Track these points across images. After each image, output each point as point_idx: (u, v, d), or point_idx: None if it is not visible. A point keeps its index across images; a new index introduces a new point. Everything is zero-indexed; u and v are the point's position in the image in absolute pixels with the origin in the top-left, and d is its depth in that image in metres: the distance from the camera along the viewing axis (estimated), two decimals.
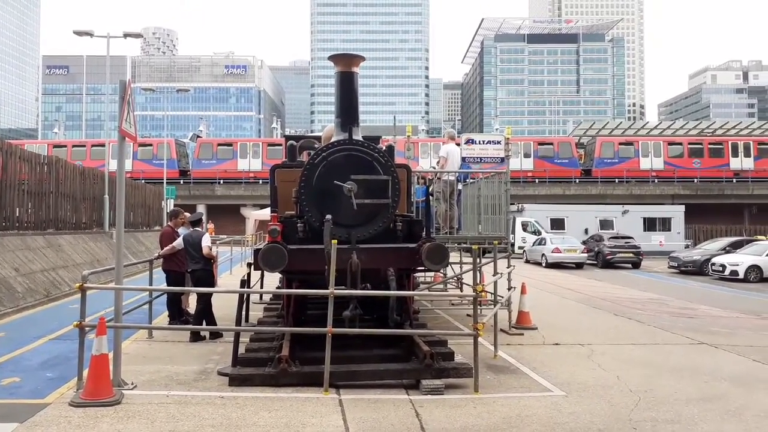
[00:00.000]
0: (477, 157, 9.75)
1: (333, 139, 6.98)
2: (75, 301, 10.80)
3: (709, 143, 41.77)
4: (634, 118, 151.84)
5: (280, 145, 41.59)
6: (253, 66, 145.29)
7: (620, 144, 41.34)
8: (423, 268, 6.79)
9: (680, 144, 41.81)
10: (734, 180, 41.60)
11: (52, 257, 13.30)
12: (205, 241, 8.54)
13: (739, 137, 43.71)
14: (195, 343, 7.99)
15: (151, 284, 9.01)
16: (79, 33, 23.18)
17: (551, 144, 42.39)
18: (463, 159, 9.90)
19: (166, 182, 31.63)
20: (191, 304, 9.37)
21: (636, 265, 25.36)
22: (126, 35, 24.23)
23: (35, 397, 5.45)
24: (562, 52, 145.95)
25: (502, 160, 9.76)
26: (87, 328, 5.58)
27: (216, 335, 8.34)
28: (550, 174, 39.82)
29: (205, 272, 8.56)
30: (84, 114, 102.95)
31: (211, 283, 8.87)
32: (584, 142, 45.79)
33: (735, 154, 41.02)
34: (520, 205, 31.33)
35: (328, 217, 6.12)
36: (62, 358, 6.92)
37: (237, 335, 6.36)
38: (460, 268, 11.52)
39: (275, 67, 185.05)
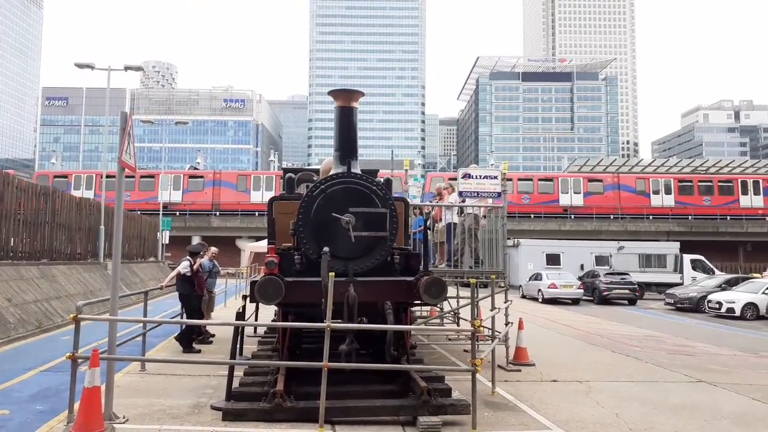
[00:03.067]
0: (474, 192, 9.79)
1: (332, 172, 7.02)
2: (67, 332, 10.67)
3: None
4: (628, 155, 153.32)
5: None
6: (252, 100, 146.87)
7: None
8: (420, 301, 6.75)
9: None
10: (728, 218, 41.86)
11: (45, 288, 13.18)
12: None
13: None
14: (188, 370, 7.93)
15: (145, 316, 8.92)
16: (80, 65, 23.45)
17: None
18: (460, 193, 9.93)
19: (162, 214, 31.58)
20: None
21: (632, 302, 25.29)
22: (127, 68, 24.51)
23: (25, 431, 5.34)
24: (556, 90, 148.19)
25: (499, 194, 9.80)
26: (80, 360, 5.50)
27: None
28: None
29: (181, 296, 10.26)
30: (82, 145, 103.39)
31: (189, 301, 10.30)
32: None
33: (570, 190, 41.87)
34: (516, 240, 31.39)
35: (326, 249, 6.11)
36: (53, 390, 6.81)
37: (231, 369, 6.28)
38: (457, 302, 11.47)
39: (273, 102, 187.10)
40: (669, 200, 41.18)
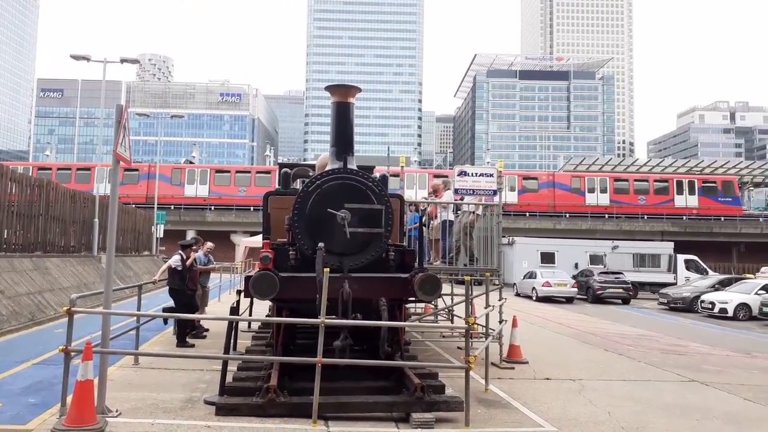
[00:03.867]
0: (470, 189, 9.79)
1: (327, 168, 7.01)
2: (60, 326, 10.62)
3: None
4: (624, 155, 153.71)
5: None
6: (248, 94, 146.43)
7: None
8: (415, 298, 6.75)
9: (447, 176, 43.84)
10: (722, 218, 42.07)
11: (38, 280, 13.13)
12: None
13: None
14: (182, 364, 7.92)
15: (139, 309, 8.89)
16: (76, 57, 23.30)
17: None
18: (456, 191, 9.93)
19: (157, 207, 31.47)
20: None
21: (626, 301, 25.38)
22: (123, 60, 24.35)
23: (16, 423, 5.32)
24: (553, 88, 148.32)
25: (495, 192, 9.81)
26: (73, 353, 5.47)
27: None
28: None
29: (171, 290, 10.25)
30: (76, 137, 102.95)
31: (180, 296, 10.22)
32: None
33: (505, 187, 42.40)
34: (510, 238, 31.44)
35: (321, 245, 6.10)
36: (46, 384, 6.78)
37: (225, 364, 6.27)
38: (452, 299, 11.48)
39: (270, 96, 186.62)
40: (604, 199, 41.57)
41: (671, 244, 33.10)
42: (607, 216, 41.23)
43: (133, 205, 28.71)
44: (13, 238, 13.35)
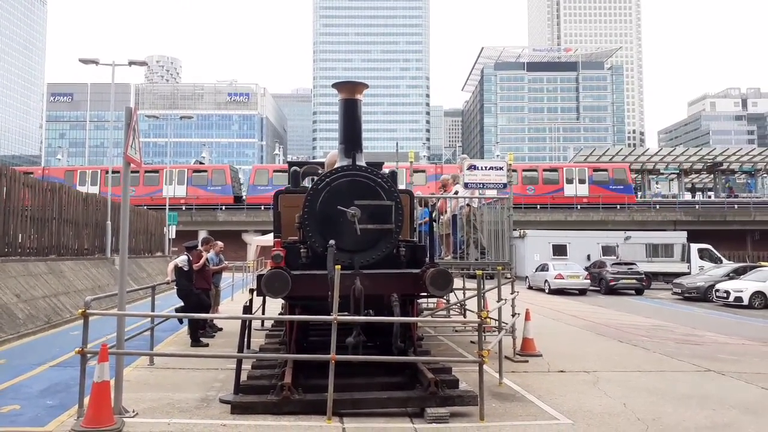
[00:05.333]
0: (479, 183, 9.77)
1: (336, 165, 7.01)
2: (76, 328, 10.74)
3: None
4: (634, 144, 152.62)
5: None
6: (256, 94, 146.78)
7: (274, 171, 42.59)
8: (426, 293, 6.75)
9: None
10: (736, 206, 41.68)
11: (53, 283, 13.26)
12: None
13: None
14: (196, 364, 7.98)
15: (153, 310, 8.95)
16: (84, 61, 23.47)
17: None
18: (466, 185, 9.91)
19: (169, 208, 31.65)
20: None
21: (639, 292, 25.22)
22: (131, 63, 24.51)
23: (36, 425, 5.39)
24: (561, 79, 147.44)
25: (505, 185, 9.78)
26: (89, 355, 5.53)
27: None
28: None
29: (179, 291, 10.19)
30: (87, 141, 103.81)
31: (188, 296, 10.16)
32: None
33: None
34: (522, 231, 31.33)
35: (332, 242, 6.11)
36: (63, 386, 6.86)
37: (239, 362, 6.31)
38: (464, 294, 11.46)
39: (278, 95, 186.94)
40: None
41: (684, 234, 32.84)
42: (618, 206, 40.96)
43: (145, 207, 28.89)
44: (28, 242, 13.48)
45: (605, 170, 42.66)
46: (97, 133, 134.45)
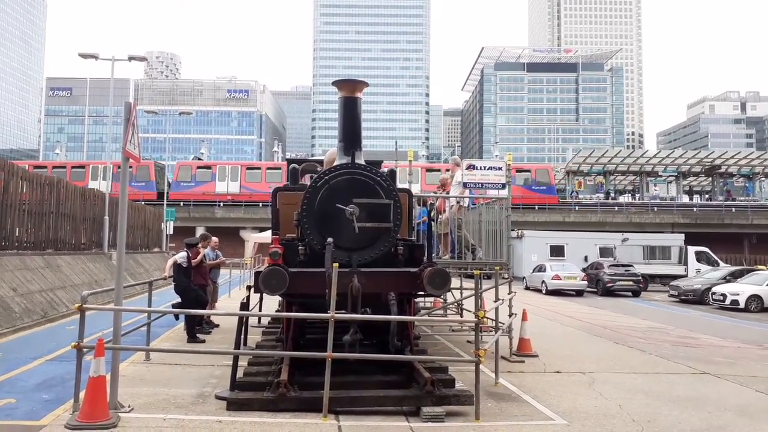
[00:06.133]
0: (478, 183, 9.76)
1: (335, 163, 7.01)
2: (72, 322, 10.73)
3: (267, 167, 43.97)
4: (633, 146, 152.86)
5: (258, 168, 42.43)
6: (255, 90, 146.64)
7: (198, 168, 43.12)
8: (424, 292, 6.75)
9: (259, 168, 43.79)
10: (734, 210, 41.75)
11: (50, 278, 13.24)
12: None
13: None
14: (193, 360, 7.97)
15: (149, 306, 8.94)
16: (84, 56, 23.40)
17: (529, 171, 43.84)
18: (464, 184, 9.91)
19: (167, 204, 31.61)
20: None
21: (636, 294, 25.27)
22: (131, 58, 24.43)
23: (31, 419, 5.38)
24: (561, 80, 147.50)
25: (504, 186, 9.78)
26: (85, 350, 5.52)
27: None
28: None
29: (177, 287, 10.25)
30: (86, 135, 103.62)
31: (185, 292, 10.18)
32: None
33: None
34: (520, 231, 31.34)
35: (330, 240, 6.10)
36: (59, 380, 6.85)
37: (235, 359, 6.30)
38: (461, 293, 11.47)
39: (277, 92, 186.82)
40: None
41: (682, 236, 32.89)
42: (616, 208, 41.02)
43: (143, 202, 28.86)
44: (25, 236, 13.46)
45: (528, 171, 42.99)
46: (95, 127, 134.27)
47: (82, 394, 5.33)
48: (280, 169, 40.39)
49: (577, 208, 41.33)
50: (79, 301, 5.62)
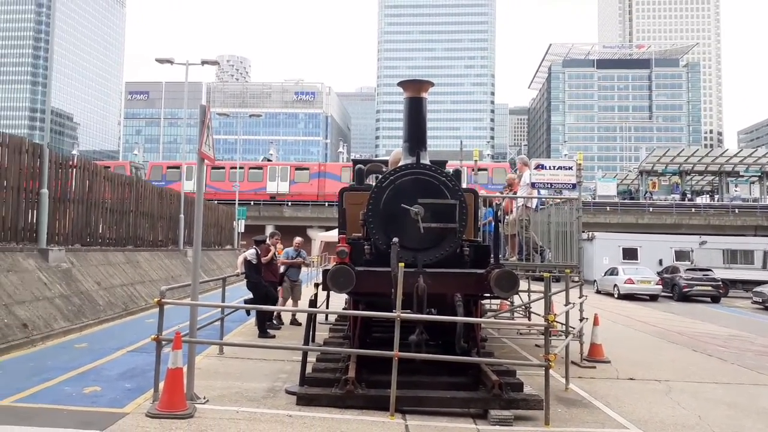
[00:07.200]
0: (547, 183, 9.56)
1: (401, 163, 7.01)
2: (151, 316, 11.26)
3: (250, 167, 44.48)
4: (711, 145, 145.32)
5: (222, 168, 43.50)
6: (321, 92, 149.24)
7: (168, 167, 43.44)
8: (490, 294, 6.66)
9: (223, 168, 43.45)
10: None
11: (130, 273, 13.94)
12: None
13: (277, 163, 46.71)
14: (263, 355, 8.20)
15: (223, 301, 9.26)
16: (161, 60, 24.48)
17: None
18: (533, 185, 9.72)
19: (238, 204, 32.62)
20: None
21: (716, 299, 24.00)
22: (203, 62, 25.36)
23: (114, 406, 5.68)
24: (633, 77, 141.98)
25: (574, 186, 9.53)
26: (163, 342, 5.78)
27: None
28: None
29: (248, 283, 10.54)
30: (162, 137, 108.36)
31: (256, 288, 10.45)
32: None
33: (272, 178, 42.96)
34: (590, 233, 30.42)
35: (395, 240, 6.12)
36: (139, 370, 7.20)
37: (305, 355, 6.43)
38: (528, 296, 11.25)
39: (342, 94, 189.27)
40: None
41: (766, 240, 30.99)
42: (693, 210, 39.14)
43: (216, 202, 29.90)
44: (108, 233, 14.23)
45: (485, 170, 41.72)
46: (170, 129, 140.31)
47: (161, 385, 5.59)
48: (241, 169, 41.77)
49: (651, 209, 39.71)
50: (158, 296, 5.89)
